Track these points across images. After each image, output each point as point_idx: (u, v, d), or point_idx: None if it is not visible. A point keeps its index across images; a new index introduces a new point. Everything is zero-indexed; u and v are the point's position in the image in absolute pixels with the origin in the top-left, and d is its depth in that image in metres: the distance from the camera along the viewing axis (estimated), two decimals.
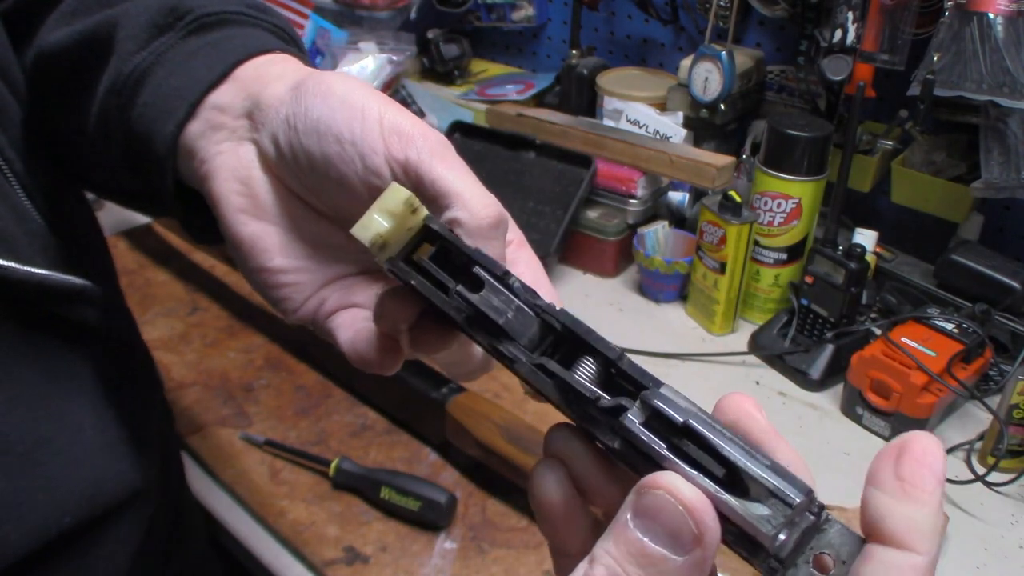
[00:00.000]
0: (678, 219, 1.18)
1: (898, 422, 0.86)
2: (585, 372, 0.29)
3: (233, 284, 1.13)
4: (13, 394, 0.44)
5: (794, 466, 0.27)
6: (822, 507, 0.27)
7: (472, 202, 0.35)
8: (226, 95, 0.40)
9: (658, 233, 1.14)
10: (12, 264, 0.42)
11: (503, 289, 0.31)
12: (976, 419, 0.91)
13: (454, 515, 0.79)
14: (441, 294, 0.32)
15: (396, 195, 0.32)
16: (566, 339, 0.30)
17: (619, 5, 1.37)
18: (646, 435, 0.27)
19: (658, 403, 0.27)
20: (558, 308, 0.31)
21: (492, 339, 0.31)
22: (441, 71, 1.49)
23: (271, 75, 0.40)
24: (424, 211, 0.33)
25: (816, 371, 0.95)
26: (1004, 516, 0.80)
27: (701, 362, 1.01)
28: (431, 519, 0.78)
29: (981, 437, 0.87)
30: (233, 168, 0.39)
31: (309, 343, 1.01)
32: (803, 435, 0.89)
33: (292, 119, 0.37)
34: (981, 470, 0.83)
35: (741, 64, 1.14)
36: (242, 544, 0.79)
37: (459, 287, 0.31)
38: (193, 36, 0.42)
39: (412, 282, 0.32)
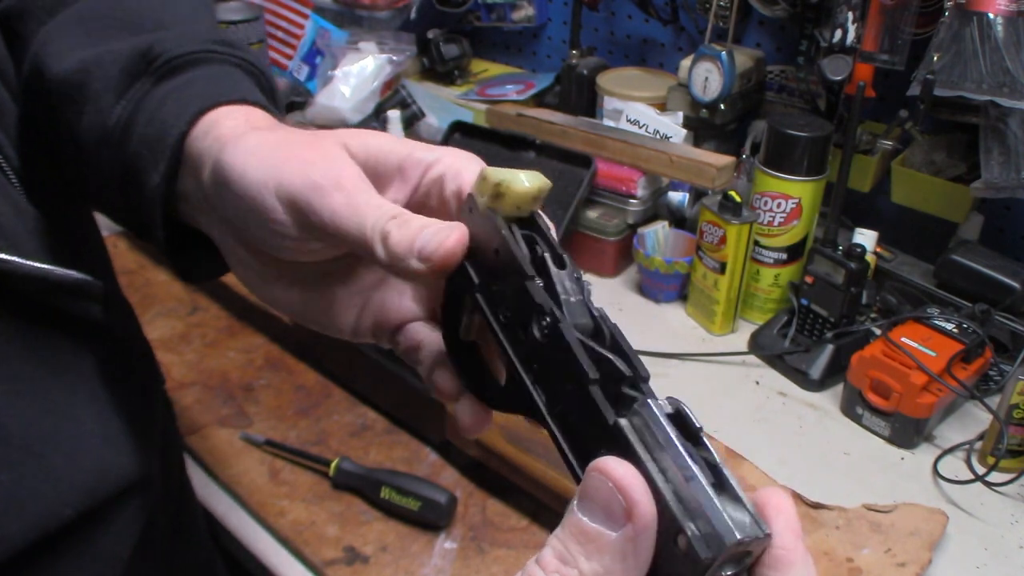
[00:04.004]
0: (678, 219, 1.18)
1: (898, 422, 0.86)
2: None
3: (233, 284, 1.12)
4: (13, 387, 0.44)
5: None
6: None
7: (366, 249, 0.36)
8: (188, 183, 0.42)
9: (658, 233, 1.14)
10: (15, 259, 0.43)
11: (575, 282, 0.34)
12: (976, 419, 0.91)
13: (454, 515, 0.79)
14: (526, 250, 0.35)
15: (537, 181, 0.36)
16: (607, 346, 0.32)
17: (619, 5, 1.37)
18: (665, 423, 0.28)
19: (684, 406, 0.29)
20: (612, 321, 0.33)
21: (548, 303, 0.33)
22: (441, 71, 1.49)
23: (204, 156, 0.40)
24: (538, 207, 0.37)
25: (816, 371, 0.95)
26: (1004, 516, 0.80)
27: (701, 362, 1.01)
28: (431, 519, 0.78)
29: (981, 437, 0.87)
30: (224, 247, 0.43)
31: (309, 343, 1.01)
32: (803, 435, 0.89)
33: (223, 218, 0.40)
34: (981, 470, 0.83)
35: (741, 64, 1.14)
36: (242, 544, 0.79)
37: (546, 254, 0.34)
38: (165, 80, 0.43)
39: (505, 232, 0.35)
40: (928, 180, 1.04)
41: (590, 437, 0.30)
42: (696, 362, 1.01)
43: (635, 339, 1.02)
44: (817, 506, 0.78)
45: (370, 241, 0.36)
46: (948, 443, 0.88)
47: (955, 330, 0.89)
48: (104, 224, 0.60)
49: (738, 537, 0.25)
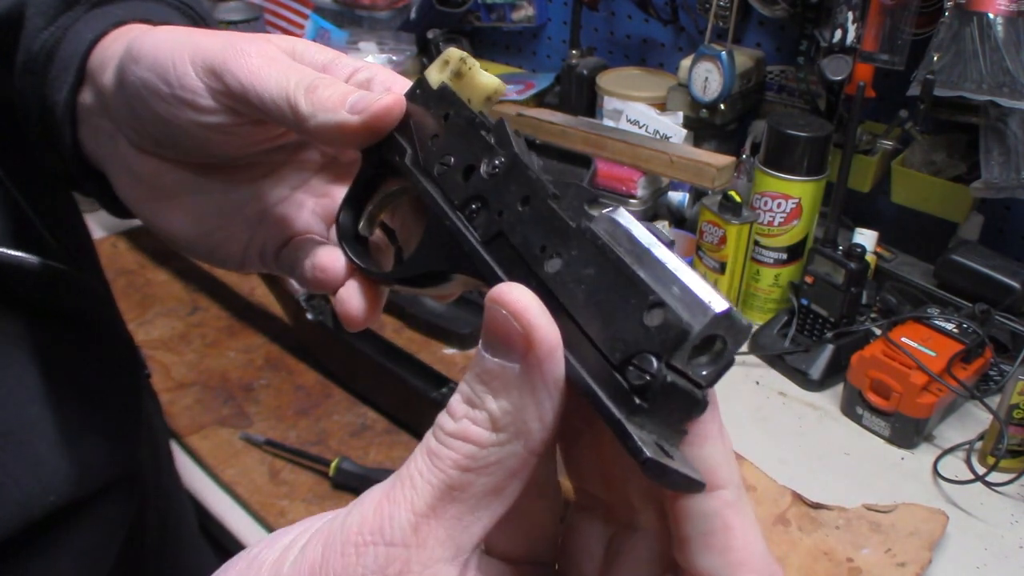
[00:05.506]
0: (678, 219, 1.18)
1: (898, 422, 0.86)
2: None
3: (233, 284, 1.13)
4: None
5: None
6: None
7: (300, 112, 0.34)
8: (87, 95, 0.40)
9: None
10: None
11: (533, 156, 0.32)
12: (976, 419, 0.91)
13: None
14: (471, 112, 0.33)
15: (495, 80, 0.36)
16: None
17: (619, 5, 1.37)
18: (642, 224, 0.25)
19: (646, 222, 0.26)
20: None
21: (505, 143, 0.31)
22: None
23: (108, 59, 0.39)
24: (487, 110, 0.35)
25: (816, 371, 0.95)
26: (1004, 516, 0.80)
27: None
28: None
29: (981, 437, 0.87)
30: (119, 161, 0.40)
31: (309, 343, 1.01)
32: (803, 435, 0.89)
33: (127, 100, 0.38)
34: (981, 470, 0.83)
35: (741, 64, 1.14)
36: (242, 544, 0.79)
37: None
38: (96, 9, 0.43)
39: (460, 97, 0.33)
40: (928, 180, 1.04)
41: (542, 257, 0.27)
42: None
43: None
44: (817, 506, 0.78)
45: (292, 96, 0.34)
46: (948, 443, 0.88)
47: (955, 330, 0.89)
48: (105, 224, 0.60)
49: (727, 305, 0.22)
